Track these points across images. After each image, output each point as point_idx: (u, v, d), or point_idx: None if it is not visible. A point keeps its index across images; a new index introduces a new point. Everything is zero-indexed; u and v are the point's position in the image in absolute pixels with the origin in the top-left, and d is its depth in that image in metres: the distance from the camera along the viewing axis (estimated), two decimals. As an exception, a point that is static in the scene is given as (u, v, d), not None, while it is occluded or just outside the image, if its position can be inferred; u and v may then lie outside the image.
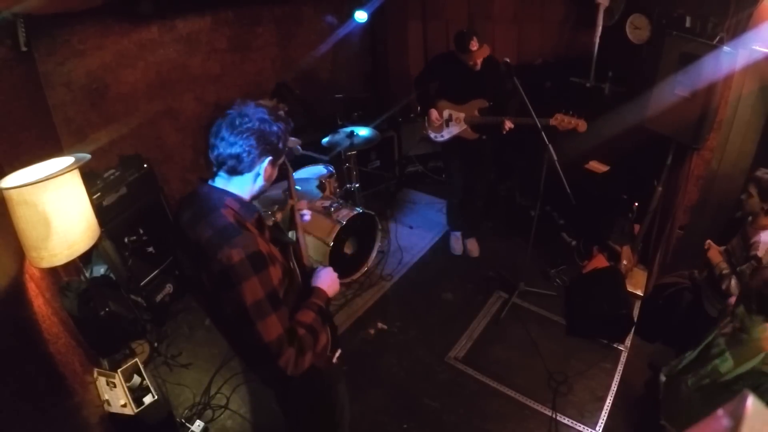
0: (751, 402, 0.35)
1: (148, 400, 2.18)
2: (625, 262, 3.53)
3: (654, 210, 3.39)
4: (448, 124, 3.42)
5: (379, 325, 3.28)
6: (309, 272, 1.68)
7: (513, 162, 4.50)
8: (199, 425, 2.55)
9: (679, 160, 3.14)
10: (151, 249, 3.14)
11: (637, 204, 3.46)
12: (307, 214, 1.84)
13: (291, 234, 1.84)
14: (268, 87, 3.62)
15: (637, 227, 3.57)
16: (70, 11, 2.84)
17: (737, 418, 0.34)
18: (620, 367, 2.92)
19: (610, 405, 2.70)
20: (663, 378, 2.24)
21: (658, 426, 2.17)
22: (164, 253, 3.25)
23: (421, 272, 3.81)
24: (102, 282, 2.85)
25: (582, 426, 2.58)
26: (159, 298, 3.17)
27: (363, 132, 3.80)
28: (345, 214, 3.39)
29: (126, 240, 2.96)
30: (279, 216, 1.98)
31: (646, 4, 3.32)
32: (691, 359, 2.10)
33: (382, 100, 5.16)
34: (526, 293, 3.44)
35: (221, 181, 1.40)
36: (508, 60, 2.96)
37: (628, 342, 3.08)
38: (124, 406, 2.10)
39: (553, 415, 2.63)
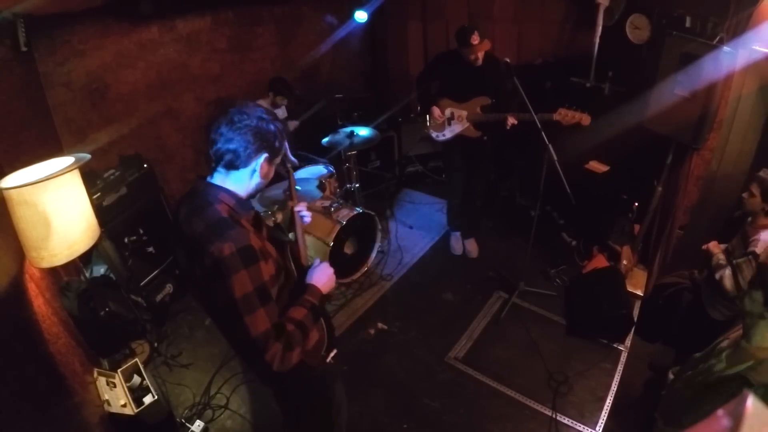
0: (751, 402, 0.35)
1: (148, 400, 2.18)
2: (625, 262, 3.53)
3: (654, 210, 3.39)
4: (450, 123, 3.42)
5: (379, 325, 3.28)
6: (305, 271, 1.69)
7: (513, 162, 4.50)
8: (199, 425, 2.55)
9: (679, 160, 3.14)
10: (151, 249, 3.14)
11: (637, 204, 3.46)
12: (307, 216, 1.85)
13: (291, 235, 1.85)
14: (266, 89, 3.63)
15: (637, 227, 3.57)
16: (70, 11, 2.85)
17: (737, 418, 0.34)
18: (620, 367, 2.92)
19: (610, 405, 2.70)
20: (671, 375, 2.25)
21: (652, 419, 2.19)
22: (164, 253, 3.25)
23: (421, 272, 3.81)
24: (102, 282, 2.85)
25: (582, 426, 2.58)
26: (159, 298, 3.17)
27: (363, 132, 3.80)
28: (345, 214, 3.39)
29: (126, 240, 2.96)
30: (279, 216, 1.99)
31: (646, 4, 3.32)
32: (696, 358, 2.10)
33: (382, 100, 5.16)
34: (526, 293, 3.44)
35: (219, 177, 1.44)
36: (508, 60, 2.97)
37: (628, 342, 3.07)
38: (124, 406, 2.10)
39: (553, 415, 2.63)
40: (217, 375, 2.86)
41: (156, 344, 2.99)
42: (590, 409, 2.67)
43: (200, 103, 3.83)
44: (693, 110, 2.74)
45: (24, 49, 2.47)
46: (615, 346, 3.06)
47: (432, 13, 4.75)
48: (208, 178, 1.45)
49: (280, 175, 1.79)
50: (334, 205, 3.47)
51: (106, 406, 2.07)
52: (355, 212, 3.44)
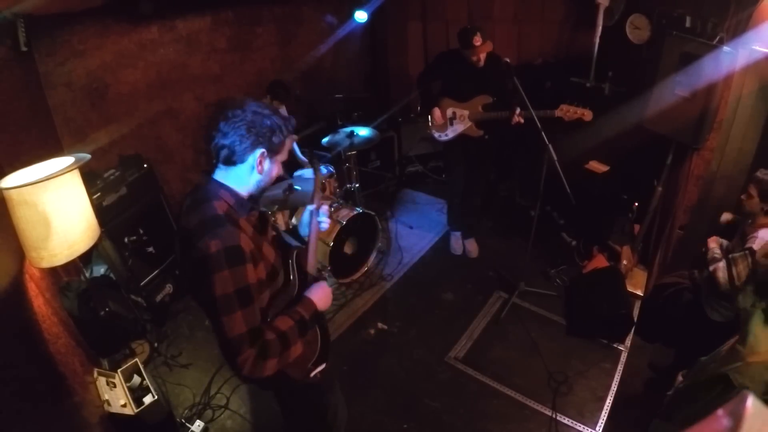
0: (751, 402, 0.35)
1: (148, 400, 2.18)
2: (625, 262, 3.53)
3: (654, 210, 3.39)
4: (452, 123, 3.42)
5: (379, 325, 3.28)
6: (310, 281, 1.67)
7: (513, 162, 4.50)
8: (199, 425, 2.55)
9: (679, 160, 3.14)
10: (151, 249, 3.14)
11: (637, 204, 3.46)
12: (326, 222, 1.81)
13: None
14: (268, 85, 3.63)
15: (637, 227, 3.57)
16: (70, 11, 2.85)
17: (737, 418, 0.34)
18: (620, 367, 2.92)
19: (610, 405, 2.70)
20: (680, 378, 2.25)
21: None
22: (164, 253, 3.25)
23: (421, 272, 3.81)
24: (102, 282, 2.85)
25: (582, 426, 2.58)
26: (159, 298, 3.17)
27: (363, 132, 3.80)
28: (345, 214, 3.39)
29: (126, 240, 2.96)
30: (279, 217, 1.97)
31: (646, 4, 3.32)
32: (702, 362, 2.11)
33: (382, 100, 5.16)
34: (526, 293, 3.44)
35: (220, 174, 1.43)
36: (508, 60, 2.97)
37: (628, 342, 3.08)
38: (124, 406, 2.10)
39: (553, 415, 2.63)
40: (217, 375, 2.86)
41: (156, 344, 2.99)
42: (590, 409, 2.67)
43: (200, 103, 3.83)
44: (693, 110, 2.74)
45: (24, 49, 2.47)
46: (615, 346, 3.06)
47: (432, 13, 4.75)
48: (212, 174, 1.45)
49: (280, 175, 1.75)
50: (334, 205, 3.47)
51: (106, 406, 2.07)
52: (355, 212, 3.44)
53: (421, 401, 2.75)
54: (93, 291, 2.45)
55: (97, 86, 3.16)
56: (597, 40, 3.64)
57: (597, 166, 3.84)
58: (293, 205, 3.34)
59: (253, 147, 1.38)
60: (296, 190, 3.15)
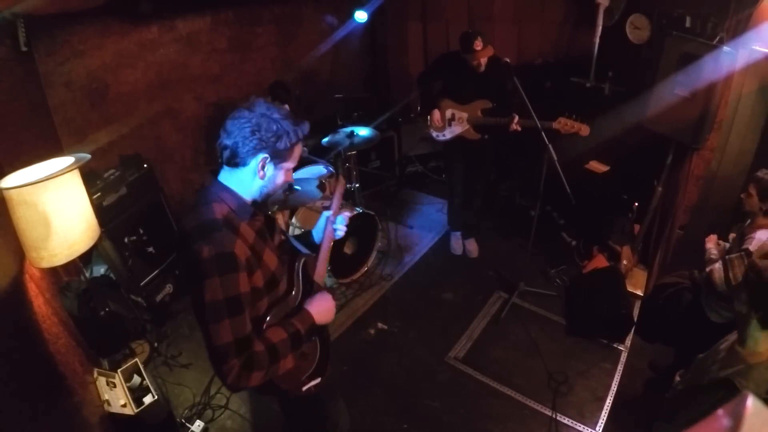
0: (751, 402, 0.35)
1: (148, 400, 2.18)
2: (625, 262, 3.53)
3: (654, 210, 3.39)
4: (450, 124, 3.42)
5: (379, 325, 3.28)
6: (316, 291, 1.60)
7: (513, 162, 4.50)
8: (199, 425, 2.55)
9: (679, 160, 3.14)
10: (151, 249, 3.14)
11: (637, 204, 3.46)
12: (342, 230, 1.74)
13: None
14: (269, 87, 3.62)
15: (637, 227, 3.57)
16: (70, 11, 2.84)
17: (737, 418, 0.34)
18: (620, 367, 2.92)
19: (610, 405, 2.70)
20: (678, 378, 2.25)
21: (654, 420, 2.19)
22: (164, 253, 3.25)
23: (421, 272, 3.81)
24: (102, 282, 2.85)
25: (582, 426, 2.58)
26: (159, 298, 3.17)
27: (363, 132, 3.79)
28: (345, 214, 3.38)
29: (126, 240, 2.96)
30: (279, 216, 1.94)
31: (646, 4, 3.32)
32: (699, 359, 2.10)
33: (382, 100, 5.16)
34: (526, 293, 3.44)
35: (224, 174, 1.39)
36: (507, 60, 2.97)
37: (628, 342, 3.08)
38: (124, 406, 2.10)
39: (553, 415, 2.63)
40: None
41: (156, 344, 2.99)
42: (590, 409, 2.67)
43: (200, 103, 3.83)
44: (693, 110, 2.74)
45: (24, 49, 2.47)
46: (615, 346, 3.06)
47: (432, 14, 4.75)
48: (218, 175, 1.41)
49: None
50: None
51: (106, 406, 2.07)
52: (355, 212, 3.44)
53: (421, 401, 2.75)
54: (93, 291, 2.45)
55: (97, 86, 3.16)
56: (597, 40, 3.64)
57: (597, 166, 3.84)
58: (293, 205, 3.34)
59: (256, 151, 1.32)
60: (296, 190, 3.15)
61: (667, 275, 3.04)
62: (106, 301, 2.47)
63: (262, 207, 1.47)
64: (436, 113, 3.36)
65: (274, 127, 1.32)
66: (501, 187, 4.70)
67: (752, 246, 2.17)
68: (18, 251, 1.77)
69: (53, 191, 1.68)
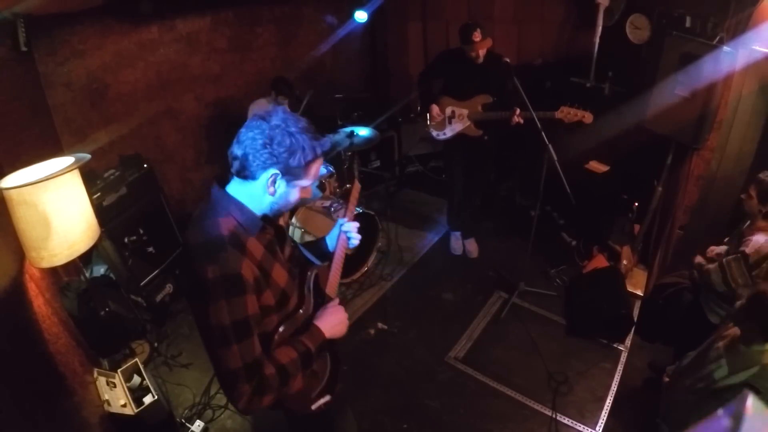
0: (751, 402, 0.35)
1: (148, 400, 2.18)
2: (625, 262, 3.53)
3: (654, 210, 3.39)
4: (450, 121, 3.42)
5: (379, 325, 3.27)
6: (325, 303, 1.52)
7: (513, 162, 4.49)
8: (199, 425, 2.55)
9: (679, 160, 3.14)
10: (151, 249, 3.14)
11: (637, 204, 3.46)
12: (356, 238, 1.65)
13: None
14: (268, 87, 3.62)
15: (637, 227, 3.57)
16: (70, 11, 2.85)
17: (737, 418, 0.34)
18: (620, 367, 2.92)
19: (610, 405, 2.70)
20: (666, 379, 2.24)
21: (655, 424, 2.18)
22: (164, 253, 3.25)
23: (421, 272, 3.81)
24: (102, 282, 2.85)
25: (582, 426, 2.58)
26: (159, 298, 3.17)
27: (363, 132, 3.79)
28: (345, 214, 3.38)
29: (126, 240, 2.96)
30: (281, 221, 1.88)
31: (646, 4, 3.32)
32: (691, 359, 2.10)
33: (382, 100, 5.16)
34: (526, 293, 3.44)
35: (234, 186, 1.30)
36: (508, 60, 2.97)
37: (628, 342, 3.08)
38: (124, 406, 2.10)
39: (553, 415, 2.63)
40: (217, 375, 2.86)
41: (156, 344, 2.99)
42: (590, 409, 2.67)
43: (200, 103, 3.84)
44: (693, 110, 2.74)
45: (24, 49, 2.47)
46: (615, 346, 3.06)
47: (432, 13, 4.75)
48: (228, 186, 1.31)
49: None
50: (335, 205, 3.47)
51: (106, 406, 2.07)
52: (355, 212, 3.43)
53: (421, 401, 2.75)
54: (93, 291, 2.45)
55: (97, 86, 3.16)
56: (597, 40, 3.64)
57: (597, 166, 3.84)
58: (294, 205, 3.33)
59: (265, 166, 1.22)
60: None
61: (667, 275, 3.05)
62: (106, 301, 2.47)
63: (273, 219, 1.38)
64: (435, 107, 3.34)
65: (288, 142, 1.21)
66: (501, 187, 4.70)
67: (748, 249, 2.18)
68: (18, 251, 1.77)
69: (53, 191, 1.68)
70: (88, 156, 1.84)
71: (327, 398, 1.54)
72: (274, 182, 1.25)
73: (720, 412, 0.36)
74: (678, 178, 3.19)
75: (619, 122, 3.23)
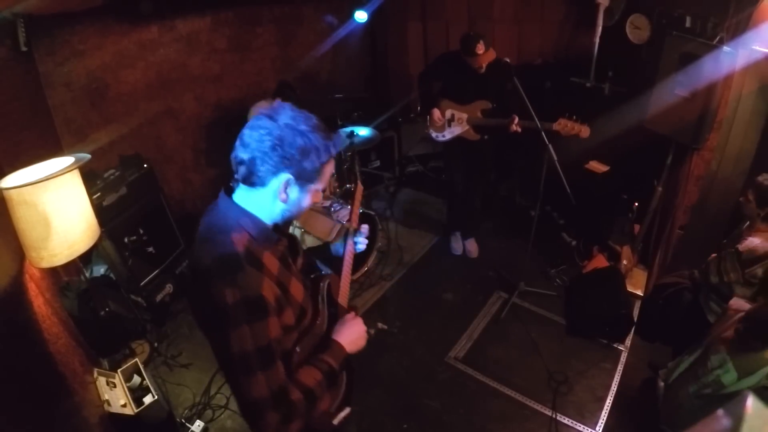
0: (751, 402, 0.35)
1: (148, 400, 2.18)
2: (625, 262, 3.53)
3: (654, 210, 3.39)
4: (450, 124, 3.42)
5: (379, 325, 3.25)
6: (341, 314, 1.45)
7: (513, 162, 4.50)
8: (199, 425, 2.55)
9: (679, 160, 3.14)
10: (151, 249, 3.14)
11: (637, 204, 3.46)
12: (363, 243, 1.57)
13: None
14: (268, 87, 3.62)
15: (637, 227, 3.57)
16: (70, 11, 2.84)
17: (737, 418, 0.34)
18: (620, 367, 2.92)
19: (610, 405, 2.70)
20: (661, 384, 2.24)
21: (657, 428, 2.17)
22: (164, 253, 3.25)
23: (421, 272, 3.81)
24: (102, 282, 2.85)
25: (582, 426, 2.58)
26: (159, 298, 3.17)
27: (363, 132, 3.79)
28: (345, 215, 3.39)
29: (126, 240, 2.96)
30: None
31: (646, 4, 3.32)
32: (689, 363, 2.09)
33: (382, 100, 5.15)
34: (526, 293, 3.44)
35: (241, 194, 1.18)
36: (508, 60, 2.97)
37: (628, 342, 3.08)
38: (124, 406, 2.10)
39: (553, 415, 2.63)
40: (217, 375, 2.86)
41: (156, 344, 2.99)
42: (590, 409, 2.67)
43: (200, 103, 3.83)
44: (693, 110, 2.74)
45: (24, 49, 2.47)
46: (615, 346, 3.06)
47: (432, 13, 4.75)
48: (234, 194, 1.20)
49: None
50: (335, 205, 3.47)
51: (106, 406, 2.07)
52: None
53: (421, 401, 2.75)
54: (93, 291, 2.46)
55: (97, 86, 3.16)
56: (597, 40, 3.64)
57: (597, 166, 3.84)
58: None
59: (277, 170, 1.10)
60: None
61: (667, 275, 3.05)
62: (106, 301, 2.48)
63: (284, 228, 1.29)
64: (436, 112, 3.35)
65: (301, 142, 1.10)
66: (501, 187, 4.70)
67: (742, 246, 2.21)
68: (18, 251, 1.77)
69: (53, 191, 1.68)
70: (88, 156, 1.84)
71: (347, 411, 1.48)
72: (286, 188, 1.13)
73: (720, 412, 0.36)
74: (678, 178, 3.19)
75: (619, 122, 3.23)
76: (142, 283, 3.07)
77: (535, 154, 3.14)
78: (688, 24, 2.94)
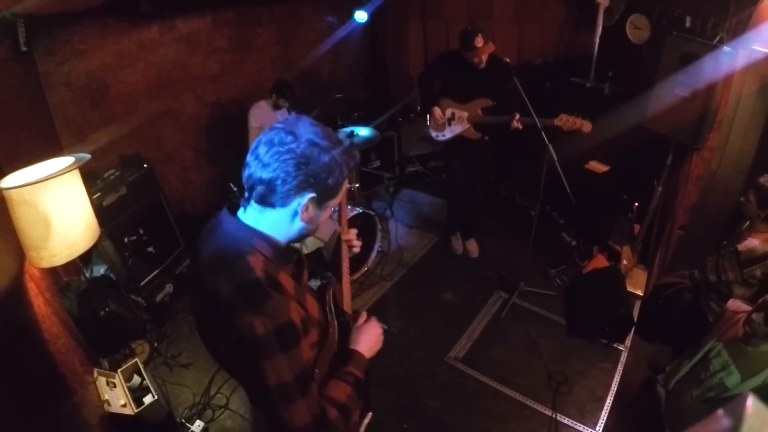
0: (751, 402, 0.35)
1: (148, 400, 2.18)
2: (625, 262, 3.53)
3: (654, 210, 3.39)
4: (450, 123, 3.42)
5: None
6: (348, 321, 1.43)
7: (513, 162, 4.50)
8: (199, 425, 2.55)
9: (679, 160, 3.14)
10: (151, 249, 3.14)
11: (637, 204, 3.46)
12: (357, 247, 1.55)
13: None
14: (268, 87, 3.61)
15: (637, 227, 3.57)
16: (70, 11, 2.85)
17: (737, 418, 0.34)
18: (620, 367, 2.92)
19: (610, 405, 2.70)
20: (660, 389, 2.24)
21: (659, 428, 2.17)
22: (164, 253, 3.25)
23: (421, 272, 3.81)
24: (102, 282, 2.85)
25: (582, 426, 2.58)
26: (159, 298, 3.17)
27: (363, 132, 3.79)
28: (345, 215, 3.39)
29: (126, 240, 2.96)
30: None
31: (646, 4, 3.32)
32: (690, 367, 2.09)
33: (382, 100, 5.16)
34: (526, 293, 3.44)
35: (252, 214, 1.10)
36: (507, 60, 2.97)
37: (628, 342, 3.07)
38: (124, 406, 2.10)
39: (553, 415, 2.63)
40: (217, 375, 2.86)
41: (156, 344, 2.99)
42: (590, 409, 2.67)
43: (200, 103, 3.84)
44: (693, 110, 2.74)
45: (24, 49, 2.48)
46: (615, 346, 3.06)
47: (432, 13, 4.75)
48: (240, 213, 1.13)
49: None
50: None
51: (106, 406, 2.07)
52: (355, 212, 3.44)
53: (421, 401, 2.75)
54: (93, 291, 2.46)
55: (97, 86, 3.16)
56: (597, 40, 3.64)
57: (597, 166, 3.84)
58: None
59: (300, 190, 1.04)
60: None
61: (667, 275, 3.05)
62: (106, 301, 2.48)
63: (296, 244, 1.24)
64: (437, 110, 3.35)
65: (326, 158, 1.04)
66: (501, 187, 4.70)
67: (741, 246, 2.22)
68: (18, 251, 1.77)
69: (53, 191, 1.68)
70: (88, 156, 1.84)
71: (370, 416, 1.45)
72: (308, 207, 1.07)
73: (720, 412, 0.36)
74: (678, 178, 3.19)
75: (619, 122, 3.23)
76: (142, 283, 3.07)
77: (535, 154, 3.14)
78: (688, 24, 2.94)
